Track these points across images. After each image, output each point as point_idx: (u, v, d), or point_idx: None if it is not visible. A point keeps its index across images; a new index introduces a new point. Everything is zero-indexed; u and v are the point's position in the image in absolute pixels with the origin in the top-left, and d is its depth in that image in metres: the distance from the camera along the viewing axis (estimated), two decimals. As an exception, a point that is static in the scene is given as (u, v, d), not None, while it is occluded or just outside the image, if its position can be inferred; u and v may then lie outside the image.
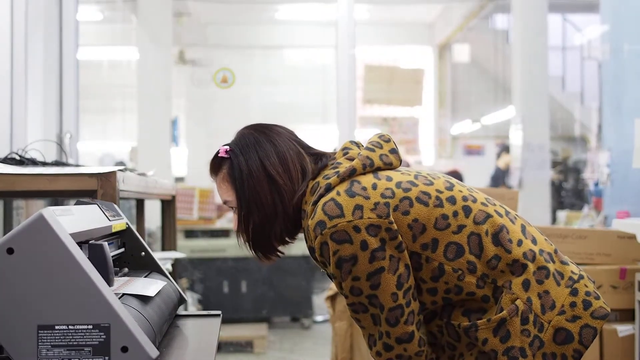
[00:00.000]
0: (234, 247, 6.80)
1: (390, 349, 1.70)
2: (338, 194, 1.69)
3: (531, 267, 1.72)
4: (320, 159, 1.85)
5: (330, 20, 7.62)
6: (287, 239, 1.86)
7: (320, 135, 10.89)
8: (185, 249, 6.34)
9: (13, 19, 3.70)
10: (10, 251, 1.12)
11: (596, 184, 5.85)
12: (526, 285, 1.70)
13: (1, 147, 3.48)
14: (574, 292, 1.74)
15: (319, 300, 7.10)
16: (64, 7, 4.61)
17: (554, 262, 1.78)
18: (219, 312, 1.74)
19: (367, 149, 1.81)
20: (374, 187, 1.70)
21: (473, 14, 10.46)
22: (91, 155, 9.65)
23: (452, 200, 1.75)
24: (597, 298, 1.75)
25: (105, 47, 10.07)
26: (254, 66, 10.52)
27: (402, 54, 12.04)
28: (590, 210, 6.03)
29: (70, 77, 4.65)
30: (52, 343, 1.13)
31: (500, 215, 1.77)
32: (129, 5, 8.27)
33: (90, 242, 1.49)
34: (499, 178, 9.20)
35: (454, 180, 1.83)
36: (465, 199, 1.77)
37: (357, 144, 1.88)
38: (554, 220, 7.54)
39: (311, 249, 1.77)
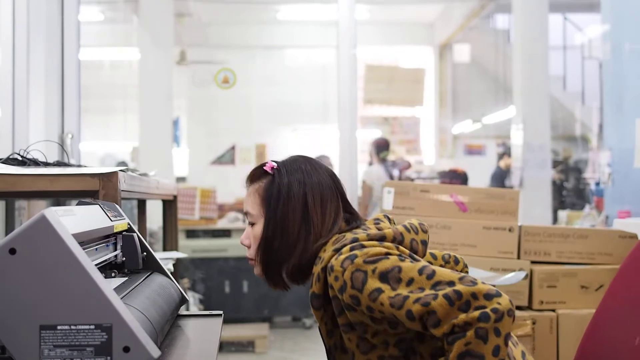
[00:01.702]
0: (236, 247, 6.81)
1: (483, 307, 1.52)
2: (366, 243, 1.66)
3: None
4: (353, 221, 1.83)
5: (331, 20, 7.62)
6: (296, 278, 1.81)
7: (321, 135, 10.90)
8: (186, 249, 6.35)
9: (15, 20, 3.71)
10: (12, 251, 1.12)
11: (597, 184, 5.85)
12: (509, 354, 1.69)
13: (3, 147, 3.49)
14: None
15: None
16: (66, 8, 4.61)
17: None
18: (220, 312, 1.74)
19: (404, 227, 1.78)
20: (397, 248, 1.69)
21: (474, 13, 10.46)
22: (93, 156, 9.67)
23: None
24: None
25: (106, 47, 10.08)
26: (255, 66, 10.52)
27: (402, 54, 12.05)
28: (591, 209, 6.03)
29: (72, 77, 4.66)
30: (54, 343, 1.14)
31: None
32: (130, 6, 8.28)
33: (123, 233, 1.63)
34: (499, 178, 9.20)
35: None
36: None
37: (390, 219, 1.87)
38: (555, 219, 7.54)
39: (313, 295, 1.71)
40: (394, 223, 1.86)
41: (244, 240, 1.84)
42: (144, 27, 7.47)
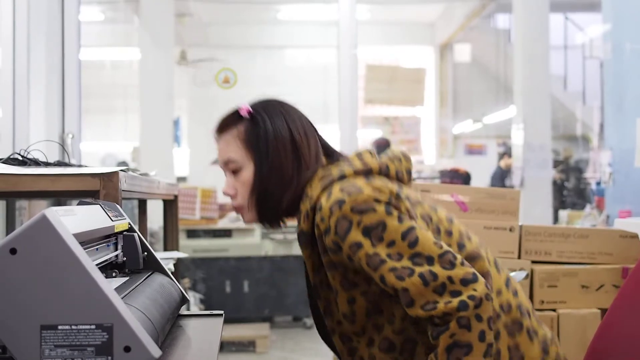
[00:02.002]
0: (236, 246, 6.81)
1: (459, 294, 1.53)
2: (355, 180, 1.65)
3: (504, 318, 1.70)
4: (333, 154, 1.81)
5: (332, 20, 7.62)
6: (291, 213, 1.79)
7: (322, 134, 10.90)
8: (187, 248, 6.35)
9: (15, 20, 3.71)
10: (13, 251, 1.12)
11: (598, 183, 5.85)
12: (497, 335, 1.68)
13: (4, 147, 3.49)
14: (545, 352, 1.73)
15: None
16: (66, 8, 4.61)
17: (530, 318, 1.76)
18: (221, 311, 1.74)
19: (388, 157, 1.78)
20: (388, 184, 1.67)
21: (474, 13, 10.47)
22: (93, 156, 9.67)
23: (449, 233, 1.73)
24: None
25: (107, 47, 10.09)
26: (255, 66, 10.53)
27: (403, 54, 12.06)
28: (592, 209, 6.03)
29: (73, 77, 4.66)
30: (55, 343, 1.14)
31: (488, 262, 1.75)
32: (131, 6, 8.28)
33: (123, 233, 1.61)
34: (499, 178, 9.21)
35: (453, 217, 1.81)
36: (461, 235, 1.75)
37: (371, 153, 1.83)
38: (555, 219, 7.55)
39: (301, 233, 1.70)
40: (375, 156, 1.82)
41: (228, 191, 1.78)
42: (145, 27, 7.47)
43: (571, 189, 9.84)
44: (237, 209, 1.80)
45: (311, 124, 1.82)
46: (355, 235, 1.58)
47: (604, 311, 3.06)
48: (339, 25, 5.97)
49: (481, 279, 1.56)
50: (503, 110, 10.39)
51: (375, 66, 10.01)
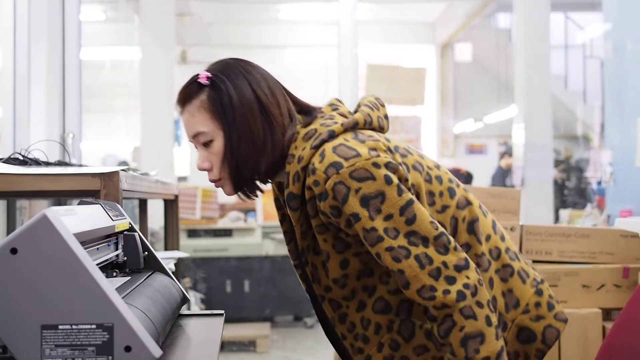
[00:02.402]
0: (237, 246, 6.81)
1: (454, 280, 1.52)
2: (346, 139, 1.59)
3: (495, 264, 1.71)
4: (307, 110, 1.74)
5: (333, 19, 7.62)
6: (269, 179, 1.73)
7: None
8: (188, 248, 6.35)
9: (16, 20, 3.71)
10: (13, 251, 1.12)
11: (599, 183, 5.85)
12: (491, 283, 1.68)
13: (4, 147, 3.49)
14: (539, 293, 1.73)
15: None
16: (67, 7, 4.61)
17: (519, 260, 1.77)
18: (222, 311, 1.74)
19: (367, 106, 1.74)
20: (379, 137, 1.64)
21: (475, 12, 10.46)
22: (94, 155, 9.67)
23: (439, 179, 1.71)
24: (558, 303, 1.76)
25: (107, 47, 10.09)
26: (256, 66, 10.51)
27: (404, 53, 12.05)
28: (593, 209, 6.03)
29: (73, 77, 4.66)
30: (55, 343, 1.14)
31: (476, 206, 1.76)
32: (132, 6, 8.28)
33: (124, 232, 1.60)
34: (500, 177, 9.21)
35: (440, 164, 1.80)
36: (450, 181, 1.74)
37: (341, 102, 1.80)
38: (556, 219, 7.54)
39: (291, 195, 1.64)
40: (344, 104, 1.79)
41: (203, 164, 1.69)
42: (145, 26, 7.47)
43: (572, 189, 9.84)
44: (216, 183, 1.72)
45: (277, 81, 1.72)
46: (354, 205, 1.54)
47: (605, 311, 3.06)
48: (340, 25, 5.96)
49: (472, 265, 1.55)
50: (504, 109, 10.39)
51: (376, 66, 9.99)
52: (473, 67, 11.81)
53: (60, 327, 1.13)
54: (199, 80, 1.66)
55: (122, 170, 1.90)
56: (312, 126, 1.66)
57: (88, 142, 8.36)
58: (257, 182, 1.73)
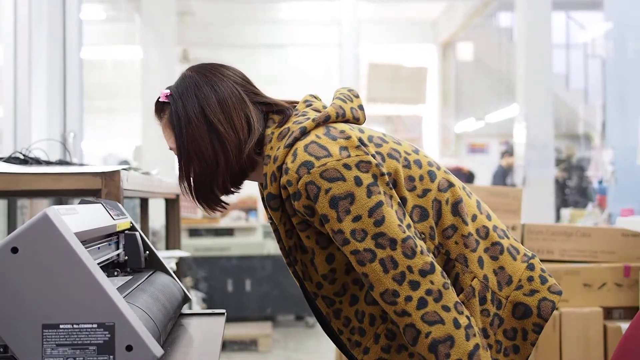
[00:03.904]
0: (238, 245, 6.81)
1: (417, 285, 1.53)
2: (318, 137, 1.60)
3: (483, 244, 1.70)
4: (281, 110, 1.73)
5: (334, 18, 7.63)
6: (231, 189, 1.74)
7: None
8: (189, 247, 6.35)
9: (17, 19, 3.71)
10: (14, 250, 1.12)
11: (600, 182, 5.85)
12: (481, 262, 1.67)
13: (5, 146, 3.49)
14: (531, 267, 1.72)
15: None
16: (68, 6, 4.61)
17: (508, 238, 1.76)
18: (223, 310, 1.74)
19: (339, 99, 1.74)
20: (351, 133, 1.63)
21: (477, 12, 10.46)
22: (95, 155, 9.66)
23: (418, 163, 1.70)
24: (550, 276, 1.75)
25: (109, 46, 10.09)
26: (257, 65, 10.51)
27: (405, 52, 12.05)
28: (594, 208, 6.03)
29: (74, 76, 4.66)
30: (56, 342, 1.14)
31: (459, 187, 1.75)
32: (133, 5, 8.28)
33: (125, 231, 1.59)
34: (501, 176, 9.21)
35: (418, 147, 1.79)
36: (430, 164, 1.73)
37: (316, 97, 1.79)
38: (557, 218, 7.54)
39: (271, 196, 1.65)
40: (320, 99, 1.78)
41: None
42: (147, 25, 7.48)
43: (573, 188, 9.83)
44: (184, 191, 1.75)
45: (236, 89, 1.72)
46: (323, 205, 1.55)
47: (606, 309, 3.06)
48: (341, 24, 5.97)
49: (438, 268, 1.56)
50: (505, 108, 10.38)
51: (377, 65, 10.01)
52: (474, 66, 11.80)
53: (61, 326, 1.13)
54: (159, 98, 1.71)
55: (123, 169, 1.90)
56: (286, 125, 1.67)
57: (89, 141, 8.35)
58: (219, 195, 1.74)
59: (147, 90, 7.38)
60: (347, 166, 1.56)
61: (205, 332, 1.59)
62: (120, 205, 1.71)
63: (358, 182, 1.56)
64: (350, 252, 1.56)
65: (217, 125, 1.65)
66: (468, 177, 9.18)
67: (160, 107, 1.72)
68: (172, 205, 3.47)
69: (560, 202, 9.04)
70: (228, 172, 1.67)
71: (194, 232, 6.98)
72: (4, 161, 2.05)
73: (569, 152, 10.38)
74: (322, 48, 10.98)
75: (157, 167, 3.51)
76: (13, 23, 3.70)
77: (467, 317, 1.57)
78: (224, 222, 7.12)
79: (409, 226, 1.59)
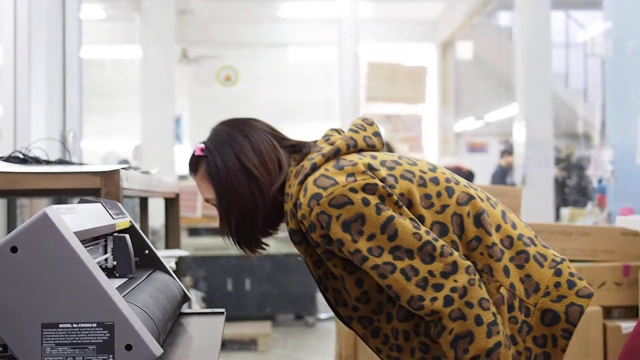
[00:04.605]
0: (238, 245, 6.80)
1: (441, 287, 1.57)
2: (326, 169, 1.66)
3: (508, 253, 1.72)
4: (301, 149, 1.83)
5: (334, 17, 7.62)
6: (270, 230, 1.84)
7: (324, 133, 10.89)
8: (189, 246, 6.35)
9: (16, 18, 3.71)
10: (14, 250, 1.12)
11: (600, 181, 5.85)
12: (506, 271, 1.69)
13: (5, 145, 3.49)
14: (558, 273, 1.73)
15: (323, 298, 7.09)
16: (67, 6, 4.61)
17: (535, 245, 1.78)
18: (222, 310, 1.74)
19: (351, 130, 1.81)
20: (359, 160, 1.70)
21: (476, 11, 10.46)
22: (95, 154, 9.66)
23: (435, 181, 1.74)
24: (581, 279, 1.75)
25: (108, 45, 10.07)
26: (257, 64, 10.53)
27: (405, 52, 12.04)
28: (593, 207, 6.02)
29: (74, 75, 4.66)
30: (56, 341, 1.14)
31: (481, 199, 1.77)
32: (132, 4, 8.27)
33: (114, 234, 1.56)
34: (500, 176, 9.20)
35: (437, 164, 1.83)
36: (448, 180, 1.76)
37: (338, 131, 1.88)
38: (557, 217, 7.54)
39: (292, 231, 1.73)
40: (343, 132, 1.86)
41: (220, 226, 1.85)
42: (146, 24, 7.47)
43: (573, 187, 9.83)
44: (226, 239, 1.87)
45: (266, 134, 1.84)
46: (336, 231, 1.61)
47: (605, 309, 3.06)
48: (341, 23, 5.97)
49: (461, 266, 1.59)
50: (505, 108, 10.38)
51: (376, 64, 10.00)
52: (474, 65, 11.79)
53: (60, 325, 1.13)
54: (195, 153, 1.82)
55: (122, 168, 1.90)
56: (303, 162, 1.76)
57: (88, 141, 8.35)
58: (260, 237, 1.86)
59: (146, 90, 7.38)
60: (353, 190, 1.62)
61: (204, 331, 1.59)
62: (119, 204, 1.71)
63: (366, 202, 1.62)
64: (371, 267, 1.61)
65: (252, 170, 1.76)
66: (467, 176, 9.17)
67: (195, 162, 1.82)
68: (171, 204, 3.47)
69: (560, 201, 9.04)
70: (266, 212, 1.77)
71: (194, 232, 6.98)
72: (4, 160, 2.05)
73: (569, 151, 10.37)
74: (322, 47, 10.97)
75: (157, 166, 3.51)
76: (13, 22, 3.70)
77: (493, 314, 1.60)
78: (223, 221, 7.11)
79: (427, 232, 1.63)
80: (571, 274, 1.75)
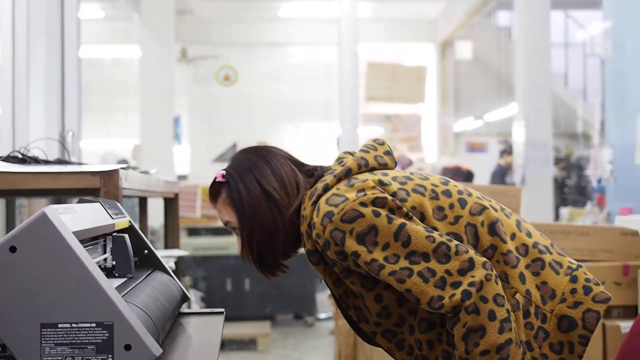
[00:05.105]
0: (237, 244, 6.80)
1: (459, 284, 1.58)
2: (338, 189, 1.70)
3: (524, 261, 1.73)
4: (314, 172, 1.88)
5: (333, 17, 7.62)
6: (289, 252, 1.88)
7: (323, 133, 10.89)
8: (188, 246, 6.35)
9: (15, 17, 3.70)
10: (13, 249, 1.12)
11: (599, 181, 5.85)
12: (522, 278, 1.70)
13: (3, 145, 3.48)
14: (574, 279, 1.74)
15: (322, 298, 7.10)
16: (66, 5, 4.60)
17: (550, 253, 1.79)
18: (222, 309, 1.74)
19: (362, 151, 1.85)
20: (369, 177, 1.73)
21: (476, 10, 10.47)
22: (94, 154, 9.66)
23: (447, 193, 1.76)
24: (597, 284, 1.76)
25: (107, 45, 10.08)
26: (256, 64, 10.53)
27: (404, 51, 12.04)
28: (593, 206, 6.03)
29: (73, 75, 4.65)
30: (55, 341, 1.13)
31: (495, 209, 1.79)
32: (131, 3, 8.28)
33: (113, 234, 1.55)
34: (499, 175, 9.21)
35: (449, 178, 1.86)
36: (460, 192, 1.78)
37: (351, 153, 1.91)
38: (557, 217, 7.54)
39: (309, 252, 1.77)
40: (355, 154, 1.89)
41: (240, 250, 1.88)
42: (145, 24, 7.47)
43: (572, 187, 9.84)
44: (248, 263, 1.90)
45: (285, 159, 1.89)
46: (351, 244, 1.64)
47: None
48: (340, 23, 5.97)
49: (478, 262, 1.60)
50: (504, 107, 10.38)
51: (376, 63, 9.99)
52: (473, 65, 11.80)
53: (59, 325, 1.13)
54: (216, 179, 1.87)
55: (121, 168, 1.90)
56: (316, 185, 1.80)
57: (87, 140, 8.35)
58: (281, 260, 1.89)
59: (146, 89, 7.38)
60: (363, 204, 1.66)
61: (204, 331, 1.59)
62: (119, 204, 1.71)
63: (376, 214, 1.65)
64: (388, 274, 1.63)
65: (272, 193, 1.81)
66: (467, 176, 9.18)
67: (216, 189, 1.87)
68: (171, 204, 3.47)
69: (559, 201, 9.05)
70: (286, 234, 1.82)
71: (193, 231, 6.98)
72: (3, 160, 2.05)
73: (568, 151, 10.38)
74: (321, 47, 10.98)
75: (156, 166, 3.51)
76: (11, 21, 3.69)
77: (507, 311, 1.60)
78: (222, 221, 7.11)
79: (440, 234, 1.65)
80: (587, 280, 1.76)
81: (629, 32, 5.11)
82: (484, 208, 1.76)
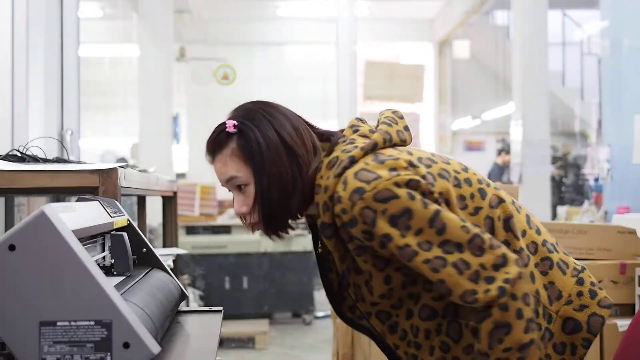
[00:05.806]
0: (236, 243, 6.82)
1: (493, 279, 1.53)
2: (366, 163, 1.61)
3: (533, 259, 1.71)
4: (327, 137, 1.77)
5: (331, 16, 7.61)
6: (300, 215, 1.77)
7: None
8: (186, 245, 6.35)
9: (14, 16, 3.70)
10: (11, 248, 1.12)
11: (596, 180, 5.86)
12: (532, 277, 1.68)
13: (2, 144, 3.49)
14: (580, 282, 1.73)
15: (320, 296, 7.11)
16: (65, 4, 4.61)
17: (557, 252, 1.77)
18: (220, 308, 1.74)
19: (384, 123, 1.76)
20: (399, 155, 1.65)
21: (473, 9, 10.46)
22: (92, 152, 9.67)
23: (468, 182, 1.72)
24: (601, 289, 1.75)
25: (106, 44, 10.07)
26: (254, 63, 10.51)
27: (402, 50, 12.04)
28: (590, 205, 6.03)
29: (72, 74, 4.66)
30: (54, 339, 1.14)
31: (509, 202, 1.75)
32: (130, 2, 8.27)
33: (112, 232, 1.53)
34: (496, 174, 9.21)
35: (467, 165, 1.81)
36: (480, 182, 1.74)
37: (362, 121, 1.82)
38: (554, 215, 7.55)
39: (324, 225, 1.67)
40: (366, 122, 1.82)
41: (241, 209, 1.74)
42: (144, 23, 7.47)
43: (569, 185, 9.85)
44: (254, 226, 1.76)
45: (298, 117, 1.79)
46: (383, 226, 1.56)
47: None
48: (338, 22, 5.97)
49: (511, 258, 1.55)
50: (502, 106, 10.39)
51: (374, 63, 9.99)
52: (471, 64, 11.80)
53: (58, 323, 1.14)
54: (227, 129, 1.71)
55: (120, 167, 1.91)
56: (335, 153, 1.69)
57: (86, 139, 8.35)
58: (290, 220, 1.77)
59: (144, 88, 7.37)
60: (397, 184, 1.57)
61: (202, 329, 1.59)
62: (117, 202, 1.71)
63: (411, 196, 1.57)
64: (422, 262, 1.55)
65: (294, 147, 1.69)
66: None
67: (222, 140, 1.71)
68: (169, 202, 3.48)
69: (557, 199, 9.05)
70: (303, 195, 1.70)
71: (191, 230, 6.99)
72: (1, 159, 2.06)
73: (565, 149, 10.39)
74: (319, 45, 10.97)
75: (155, 164, 3.51)
76: (10, 20, 3.69)
77: (535, 312, 1.59)
78: (221, 219, 7.13)
79: (474, 225, 1.60)
80: (592, 283, 1.75)
81: (626, 32, 5.12)
82: (501, 201, 1.72)
